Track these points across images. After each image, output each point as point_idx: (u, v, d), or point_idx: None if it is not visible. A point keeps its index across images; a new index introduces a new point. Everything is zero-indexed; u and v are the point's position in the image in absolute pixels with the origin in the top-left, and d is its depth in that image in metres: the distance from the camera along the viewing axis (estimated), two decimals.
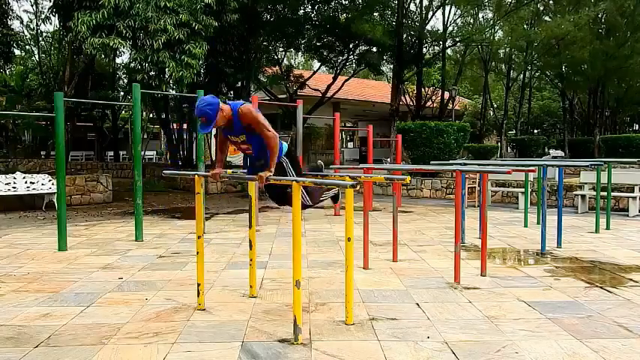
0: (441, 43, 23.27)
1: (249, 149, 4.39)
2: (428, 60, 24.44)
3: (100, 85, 25.83)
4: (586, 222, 9.82)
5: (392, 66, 23.44)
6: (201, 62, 12.55)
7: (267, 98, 22.00)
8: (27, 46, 28.69)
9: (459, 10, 23.26)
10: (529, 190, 10.40)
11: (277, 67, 22.76)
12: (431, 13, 22.32)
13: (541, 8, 24.51)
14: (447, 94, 24.92)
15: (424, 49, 23.07)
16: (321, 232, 8.80)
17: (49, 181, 12.02)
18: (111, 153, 30.36)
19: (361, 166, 7.65)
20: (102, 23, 11.50)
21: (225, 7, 13.11)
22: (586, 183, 11.69)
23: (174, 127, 22.82)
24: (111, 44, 11.47)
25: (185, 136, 21.78)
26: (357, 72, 27.39)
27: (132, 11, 11.35)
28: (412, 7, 23.04)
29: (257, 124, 4.14)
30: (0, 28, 18.41)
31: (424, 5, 22.16)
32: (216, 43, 15.28)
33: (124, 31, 11.54)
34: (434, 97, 26.14)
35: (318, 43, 22.14)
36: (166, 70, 12.64)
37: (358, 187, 4.26)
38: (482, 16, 24.61)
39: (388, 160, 20.79)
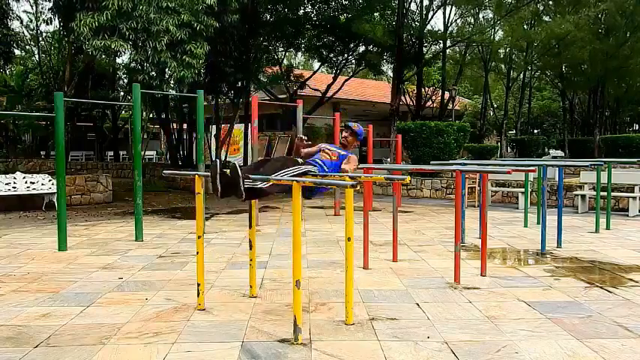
0: (441, 43, 23.26)
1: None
2: (428, 60, 24.41)
3: (100, 85, 25.82)
4: (586, 222, 9.82)
5: (392, 66, 23.42)
6: (202, 62, 12.52)
7: (267, 98, 21.98)
8: (27, 46, 28.67)
9: (459, 10, 23.25)
10: (529, 190, 10.40)
11: (277, 67, 22.75)
12: (431, 13, 22.30)
13: (541, 8, 24.46)
14: (447, 94, 24.91)
15: (424, 49, 23.06)
16: (321, 232, 8.80)
17: (49, 181, 12.02)
18: (111, 153, 30.37)
19: (361, 166, 7.65)
20: (104, 25, 11.47)
21: (226, 7, 13.11)
22: (586, 183, 11.70)
23: (174, 127, 22.83)
24: (113, 46, 11.44)
25: (185, 136, 21.79)
26: (357, 72, 27.38)
27: (135, 13, 11.33)
28: (412, 7, 23.05)
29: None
30: (0, 29, 18.40)
31: (424, 5, 22.16)
32: (216, 43, 15.26)
33: (127, 33, 11.52)
34: (434, 97, 26.12)
35: (318, 43, 22.12)
36: (168, 70, 12.62)
37: (358, 187, 4.25)
38: (483, 16, 24.59)
39: (388, 160, 20.79)
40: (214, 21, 12.33)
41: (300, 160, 4.57)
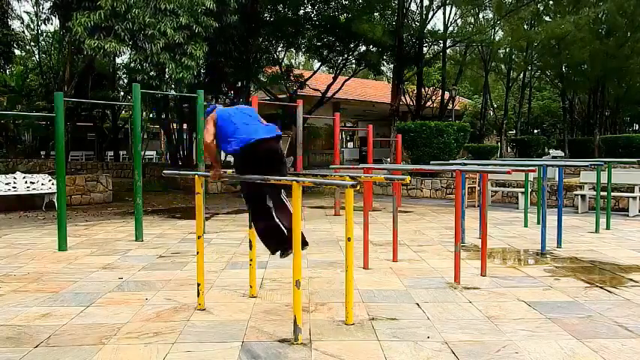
0: (441, 43, 23.26)
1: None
2: (428, 60, 24.41)
3: (100, 85, 25.81)
4: (586, 222, 9.82)
5: (392, 66, 23.42)
6: (201, 62, 12.51)
7: (267, 98, 21.98)
8: (27, 46, 28.68)
9: (459, 10, 23.26)
10: (529, 190, 10.40)
11: (277, 67, 22.76)
12: (431, 13, 22.31)
13: (541, 8, 24.47)
14: (447, 94, 24.92)
15: (424, 49, 23.06)
16: (321, 232, 8.80)
17: (49, 181, 12.02)
18: (111, 153, 30.36)
19: (361, 166, 7.65)
20: (100, 24, 11.45)
21: (225, 7, 13.10)
22: (586, 183, 11.69)
23: (174, 127, 22.84)
24: (106, 47, 11.41)
25: (185, 137, 21.79)
26: (357, 72, 27.38)
27: (128, 15, 11.30)
28: (412, 6, 23.05)
29: None
30: (0, 29, 18.40)
31: (424, 5, 22.16)
32: (216, 43, 15.27)
33: (122, 34, 11.49)
34: (434, 97, 26.13)
35: (318, 43, 22.13)
36: (167, 70, 12.62)
37: (358, 187, 4.25)
38: (483, 16, 24.60)
39: (388, 160, 20.79)
40: (214, 22, 12.32)
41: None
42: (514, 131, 32.52)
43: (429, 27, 22.59)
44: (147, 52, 11.59)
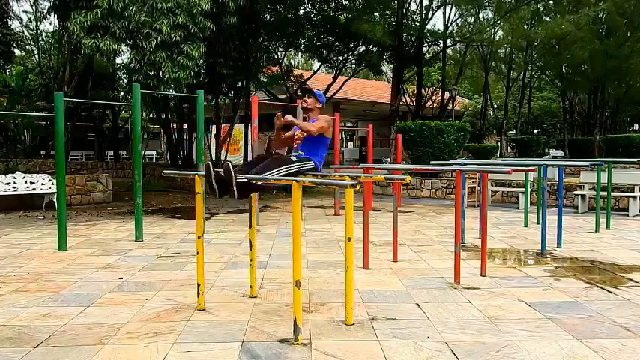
0: (441, 42, 23.25)
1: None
2: (428, 60, 24.40)
3: (100, 85, 25.82)
4: (586, 222, 9.82)
5: (392, 66, 23.41)
6: (200, 62, 12.50)
7: (267, 98, 21.97)
8: (27, 46, 28.70)
9: (459, 10, 23.25)
10: (529, 190, 10.40)
11: (277, 67, 22.75)
12: (431, 12, 22.29)
13: (541, 8, 24.46)
14: (447, 94, 24.92)
15: (424, 49, 23.06)
16: (321, 232, 8.80)
17: (49, 181, 12.02)
18: (111, 153, 30.38)
19: (361, 166, 7.65)
20: (97, 24, 11.44)
21: (224, 9, 13.08)
22: (586, 183, 11.70)
23: (174, 127, 22.85)
24: (101, 46, 11.39)
25: (185, 136, 21.80)
26: (357, 72, 27.38)
27: (125, 13, 11.29)
28: (412, 6, 23.04)
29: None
30: (0, 29, 18.41)
31: (424, 5, 22.16)
32: (215, 44, 15.26)
33: (118, 32, 11.48)
34: (434, 97, 26.13)
35: (318, 43, 22.12)
36: (164, 70, 12.62)
37: (358, 187, 4.26)
38: (483, 16, 24.56)
39: (388, 160, 20.79)
40: (211, 23, 12.30)
41: (293, 159, 4.55)
42: (514, 131, 32.50)
43: (428, 27, 22.57)
44: (144, 51, 11.58)
